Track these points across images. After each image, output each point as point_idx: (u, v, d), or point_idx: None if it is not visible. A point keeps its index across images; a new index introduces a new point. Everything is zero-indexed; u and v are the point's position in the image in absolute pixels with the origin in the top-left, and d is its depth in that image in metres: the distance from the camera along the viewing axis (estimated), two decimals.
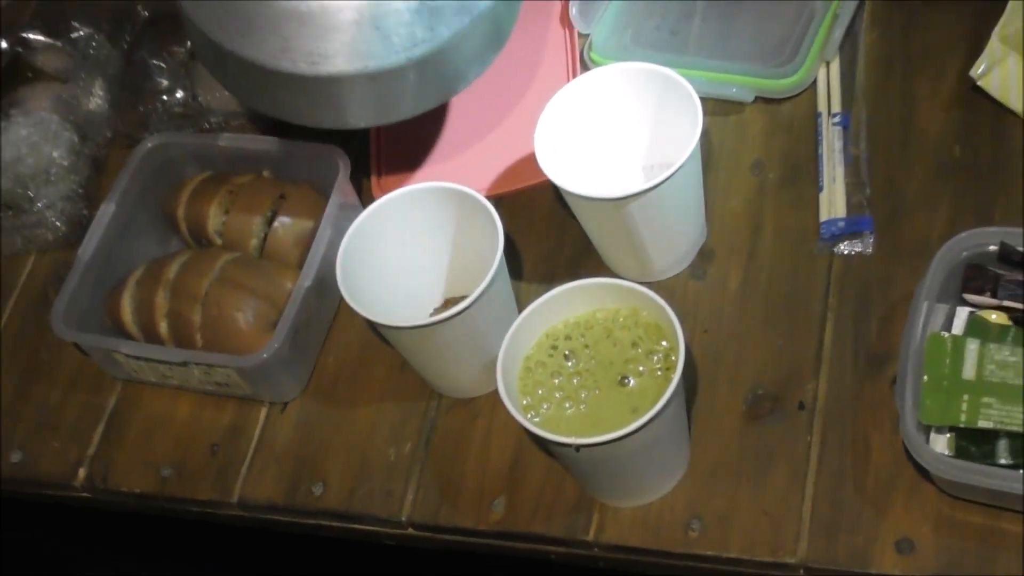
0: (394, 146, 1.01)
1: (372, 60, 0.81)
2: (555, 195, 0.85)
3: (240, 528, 0.92)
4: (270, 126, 1.04)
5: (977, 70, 0.88)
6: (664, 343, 0.78)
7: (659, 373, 0.77)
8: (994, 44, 0.87)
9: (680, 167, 0.81)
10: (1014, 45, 0.87)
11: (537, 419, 0.77)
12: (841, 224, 0.87)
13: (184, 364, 0.90)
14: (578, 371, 0.78)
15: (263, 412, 0.92)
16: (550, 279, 0.91)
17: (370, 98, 0.85)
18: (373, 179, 1.00)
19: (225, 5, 0.81)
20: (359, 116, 0.88)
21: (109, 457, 0.94)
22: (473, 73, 0.88)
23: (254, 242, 0.96)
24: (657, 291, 0.82)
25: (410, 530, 0.86)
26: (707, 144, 0.94)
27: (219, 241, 0.97)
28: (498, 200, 0.95)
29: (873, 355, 0.82)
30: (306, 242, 0.93)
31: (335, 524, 0.88)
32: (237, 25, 0.82)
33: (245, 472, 0.90)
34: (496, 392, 0.76)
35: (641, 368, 0.77)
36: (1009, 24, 0.88)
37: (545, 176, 0.84)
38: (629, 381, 0.77)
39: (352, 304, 0.82)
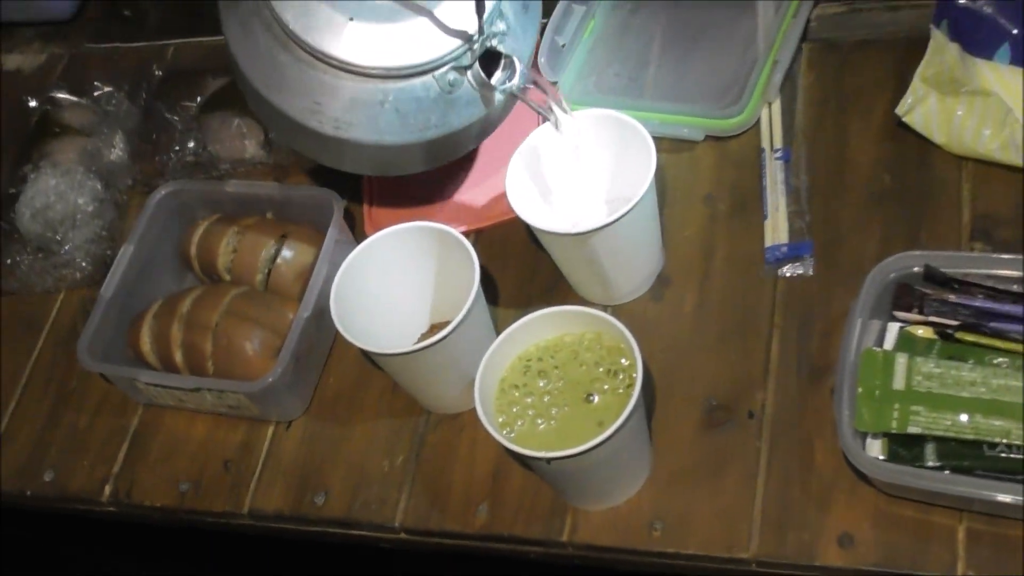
0: (384, 189, 1.01)
1: (388, 136, 0.82)
2: (527, 230, 0.85)
3: (251, 536, 0.92)
4: (274, 173, 1.05)
5: (902, 107, 0.88)
6: (625, 362, 0.77)
7: (621, 390, 0.76)
8: (916, 84, 0.87)
9: (637, 203, 0.81)
10: (934, 84, 0.87)
11: (513, 435, 0.77)
12: (784, 249, 0.87)
13: (197, 390, 0.90)
14: (548, 390, 0.78)
15: (270, 430, 0.92)
16: (526, 305, 0.91)
17: (380, 159, 0.87)
18: (366, 218, 1.00)
19: (268, 59, 0.82)
20: (367, 168, 0.91)
21: (132, 474, 0.93)
22: (471, 146, 0.89)
23: (259, 277, 0.96)
24: (620, 314, 0.82)
25: (403, 535, 0.85)
26: (663, 180, 0.94)
27: (228, 277, 0.97)
28: (478, 234, 0.96)
29: (815, 367, 0.82)
30: (306, 276, 0.93)
31: (337, 531, 0.88)
32: (276, 80, 0.82)
33: (255, 485, 0.90)
34: None
35: (605, 386, 0.77)
36: (929, 66, 0.87)
37: (517, 213, 0.84)
38: (594, 398, 0.77)
39: (344, 334, 0.82)
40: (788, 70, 0.95)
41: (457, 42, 0.81)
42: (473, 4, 0.79)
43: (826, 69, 0.96)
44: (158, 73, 1.12)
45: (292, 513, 0.88)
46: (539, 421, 0.77)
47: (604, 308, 0.89)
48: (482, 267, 0.82)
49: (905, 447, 0.74)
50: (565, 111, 0.84)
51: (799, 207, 0.89)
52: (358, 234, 0.99)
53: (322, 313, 0.89)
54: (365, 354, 0.83)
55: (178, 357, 0.93)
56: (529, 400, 0.78)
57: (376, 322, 0.87)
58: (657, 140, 0.84)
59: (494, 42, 0.81)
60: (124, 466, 0.94)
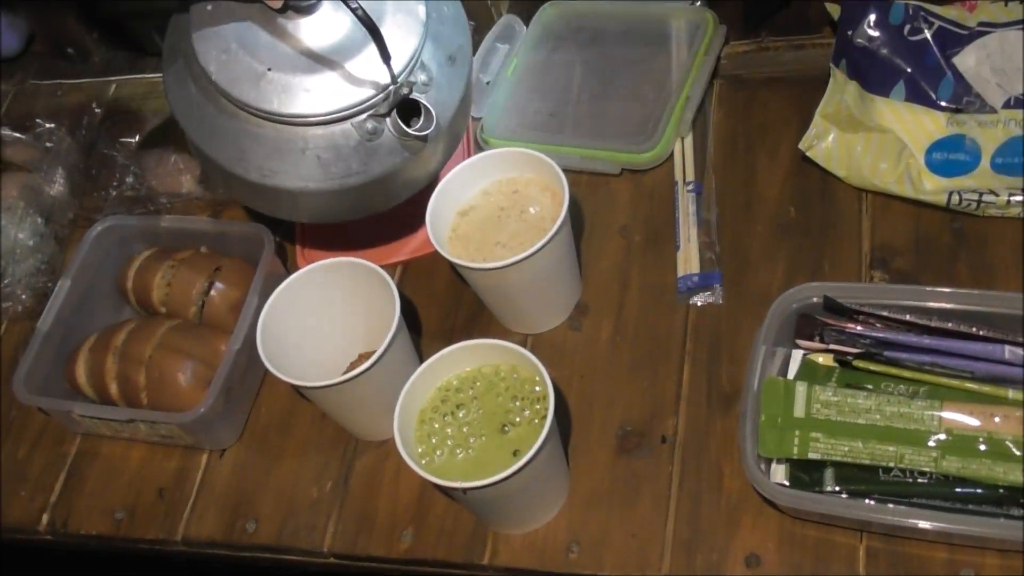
0: (315, 224, 0.99)
1: (311, 182, 0.81)
2: (450, 263, 0.84)
3: (185, 562, 0.89)
4: (211, 207, 1.03)
5: (805, 143, 0.87)
6: (539, 392, 0.76)
7: (536, 421, 0.75)
8: (818, 120, 0.87)
9: (551, 237, 0.79)
10: (834, 121, 0.86)
11: (432, 464, 0.75)
12: (695, 279, 0.86)
13: (131, 421, 0.88)
14: (467, 421, 0.76)
15: (204, 459, 0.90)
16: (449, 336, 0.90)
17: (312, 206, 0.86)
18: (298, 253, 0.98)
19: (199, 110, 0.82)
20: (304, 215, 0.89)
21: (70, 503, 0.91)
22: (404, 196, 0.88)
23: (193, 310, 0.93)
24: (540, 342, 0.82)
25: (332, 559, 0.84)
26: (580, 212, 0.93)
27: (163, 310, 0.95)
28: (405, 266, 0.94)
29: (723, 394, 0.81)
30: (239, 308, 0.91)
31: (267, 556, 0.86)
32: (207, 129, 0.82)
33: (188, 513, 0.88)
34: None
35: (519, 417, 0.75)
36: (829, 104, 0.87)
37: (437, 248, 0.82)
38: (510, 428, 0.75)
39: (270, 368, 0.80)
40: (700, 106, 0.94)
41: (372, 91, 0.80)
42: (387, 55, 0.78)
43: (735, 105, 0.95)
44: (98, 110, 1.09)
45: (224, 540, 0.86)
46: (458, 451, 0.75)
47: (525, 337, 0.88)
48: (407, 298, 0.82)
49: (806, 472, 0.73)
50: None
51: (709, 238, 0.88)
52: (291, 268, 0.97)
53: (253, 345, 0.86)
54: (294, 388, 0.81)
55: (113, 389, 0.91)
56: (449, 431, 0.76)
57: (305, 354, 0.85)
58: (576, 174, 0.84)
59: (406, 91, 0.80)
60: (61, 495, 0.91)
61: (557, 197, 0.84)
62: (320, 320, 0.86)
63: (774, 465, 0.75)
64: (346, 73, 0.80)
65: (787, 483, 0.74)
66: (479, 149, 0.98)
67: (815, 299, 0.78)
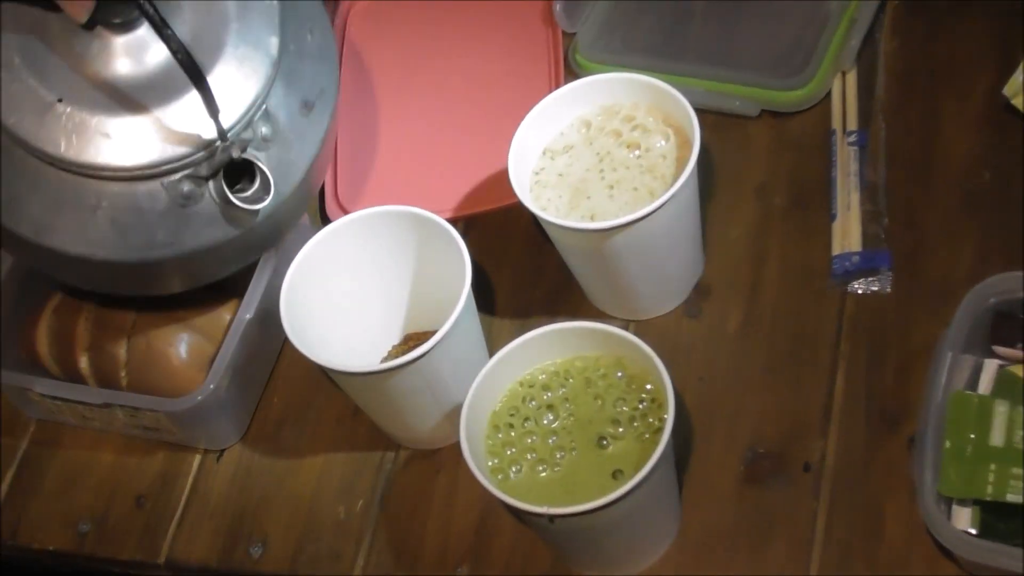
0: (353, 162, 1.00)
1: (100, 250, 0.81)
2: (533, 219, 0.84)
3: None
4: None
5: (1011, 88, 0.87)
6: (650, 395, 0.76)
7: (647, 436, 0.75)
8: None
9: (673, 193, 0.79)
10: None
11: (507, 482, 0.75)
12: (855, 259, 0.86)
13: (106, 406, 0.89)
14: (555, 429, 0.76)
15: (196, 460, 0.91)
16: (525, 315, 0.91)
17: (95, 276, 0.85)
18: (328, 198, 0.99)
19: None
20: (81, 283, 0.89)
21: (20, 508, 0.92)
22: (226, 273, 0.88)
23: None
24: (646, 332, 0.82)
25: None
26: (706, 164, 0.92)
27: None
28: (468, 223, 0.95)
29: (889, 411, 0.81)
30: (250, 268, 0.91)
31: None
32: None
33: (174, 529, 0.89)
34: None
35: (622, 428, 0.75)
36: None
37: (520, 199, 0.83)
38: (610, 442, 0.75)
39: (296, 344, 0.81)
40: (868, 32, 0.94)
41: (191, 145, 0.79)
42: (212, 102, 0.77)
43: (915, 33, 0.95)
44: None
45: (220, 566, 0.87)
46: (540, 467, 0.75)
47: (626, 323, 0.88)
48: (474, 265, 0.81)
49: (1003, 519, 0.73)
50: None
51: (876, 207, 0.88)
52: (323, 218, 0.99)
53: (268, 316, 0.88)
54: (323, 371, 0.82)
55: (83, 363, 0.92)
56: (529, 441, 0.76)
57: (337, 330, 0.86)
58: (698, 114, 0.83)
59: (238, 151, 0.79)
60: (9, 497, 0.93)
61: (681, 137, 0.84)
62: (357, 288, 0.87)
63: (956, 507, 0.75)
64: (162, 116, 0.79)
65: (974, 531, 0.73)
66: (570, 74, 0.98)
67: (1019, 293, 0.77)
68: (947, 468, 0.73)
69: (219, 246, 0.83)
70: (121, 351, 0.90)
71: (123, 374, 0.90)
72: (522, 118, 0.86)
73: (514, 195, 0.84)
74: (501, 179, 0.91)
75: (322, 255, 0.85)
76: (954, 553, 0.73)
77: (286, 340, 0.90)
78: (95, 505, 0.91)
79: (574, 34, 1.00)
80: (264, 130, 0.82)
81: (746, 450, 0.82)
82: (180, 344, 0.89)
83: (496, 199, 0.94)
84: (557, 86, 0.94)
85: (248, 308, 0.88)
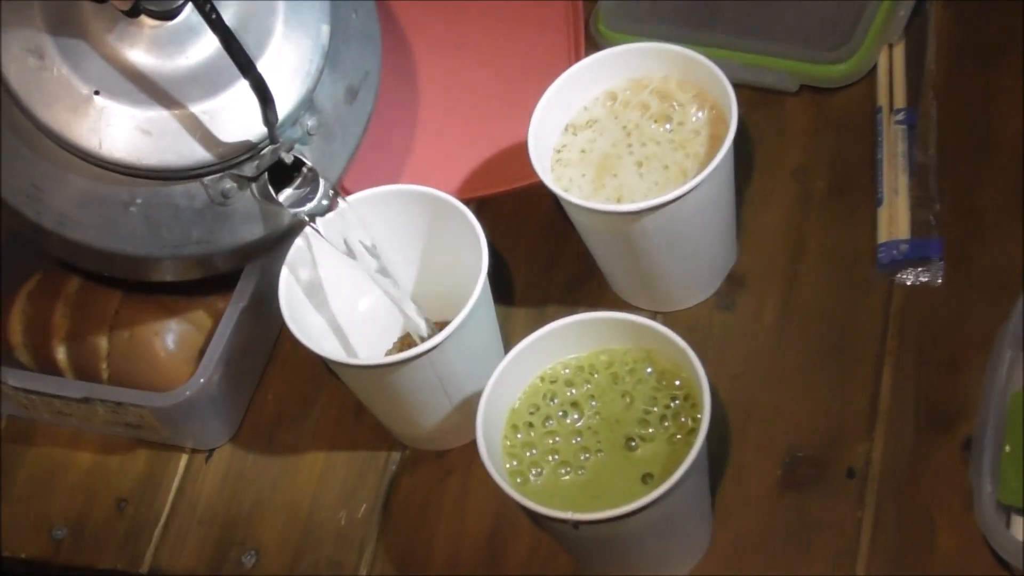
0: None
1: (129, 246, 0.82)
2: (553, 200, 0.84)
3: None
4: None
5: None
6: (682, 393, 0.75)
7: (678, 438, 0.74)
8: None
9: (710, 173, 0.79)
10: None
11: (527, 486, 0.75)
12: (904, 247, 0.86)
13: (85, 400, 0.88)
14: (579, 429, 0.76)
15: (183, 461, 0.92)
16: (542, 304, 0.91)
17: (122, 268, 0.85)
18: None
19: None
20: (104, 270, 0.88)
21: None
22: (249, 262, 0.89)
23: None
24: (674, 324, 0.81)
25: None
26: (741, 144, 0.91)
27: None
28: (482, 204, 0.95)
29: (940, 412, 0.81)
30: None
31: None
32: None
33: (159, 536, 0.89)
34: (474, 443, 0.75)
35: (652, 429, 0.75)
36: None
37: (539, 178, 0.83)
38: (638, 443, 0.75)
39: (296, 333, 0.81)
40: (917, 2, 0.94)
41: (238, 146, 0.80)
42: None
43: (969, 3, 0.95)
44: None
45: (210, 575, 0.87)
46: (563, 470, 0.75)
47: (653, 314, 0.88)
48: (490, 251, 0.81)
49: None
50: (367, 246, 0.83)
51: (926, 192, 0.88)
52: None
53: (263, 304, 0.88)
54: (324, 363, 0.82)
55: (60, 354, 0.92)
56: (551, 441, 0.76)
57: (340, 318, 0.86)
58: (736, 88, 0.83)
59: (287, 153, 0.80)
60: None
61: (716, 112, 0.84)
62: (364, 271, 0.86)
63: (1015, 516, 0.74)
64: (205, 112, 0.80)
65: None
66: (591, 46, 0.98)
67: None
68: (1007, 474, 0.73)
69: (253, 241, 0.84)
70: (102, 341, 0.90)
71: (104, 366, 0.90)
72: (539, 92, 0.86)
73: (529, 175, 0.84)
74: (515, 157, 0.91)
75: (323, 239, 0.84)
76: (1012, 566, 0.73)
77: (283, 330, 0.92)
78: (71, 509, 0.91)
79: (596, 2, 0.99)
80: (310, 123, 0.83)
81: (784, 454, 0.82)
82: (167, 334, 0.89)
83: (511, 179, 0.94)
84: (578, 58, 0.94)
85: (242, 296, 0.88)
